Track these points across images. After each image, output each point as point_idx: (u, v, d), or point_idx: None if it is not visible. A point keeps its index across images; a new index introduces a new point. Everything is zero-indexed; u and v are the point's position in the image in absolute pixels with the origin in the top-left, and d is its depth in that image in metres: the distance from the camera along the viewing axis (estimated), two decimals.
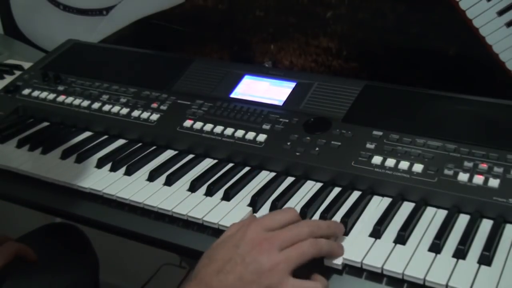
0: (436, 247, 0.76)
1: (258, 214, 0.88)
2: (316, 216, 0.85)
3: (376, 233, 0.80)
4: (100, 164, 1.03)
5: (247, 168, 0.99)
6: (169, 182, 0.96)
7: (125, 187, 0.95)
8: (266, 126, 1.03)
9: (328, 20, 1.24)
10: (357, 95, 1.06)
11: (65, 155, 1.06)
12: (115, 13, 1.53)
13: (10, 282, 1.02)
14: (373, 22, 1.19)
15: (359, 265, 0.75)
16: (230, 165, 1.01)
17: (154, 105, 1.14)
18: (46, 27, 1.67)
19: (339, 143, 0.97)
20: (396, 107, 1.03)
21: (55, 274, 1.09)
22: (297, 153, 0.97)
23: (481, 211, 0.83)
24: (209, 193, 0.93)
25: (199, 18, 1.42)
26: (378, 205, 0.88)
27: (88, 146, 1.09)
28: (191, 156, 1.04)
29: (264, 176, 0.97)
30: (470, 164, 0.88)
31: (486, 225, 0.81)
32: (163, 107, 1.13)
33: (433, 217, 0.84)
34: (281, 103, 1.09)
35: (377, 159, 0.92)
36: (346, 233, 0.81)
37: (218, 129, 1.05)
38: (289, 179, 0.96)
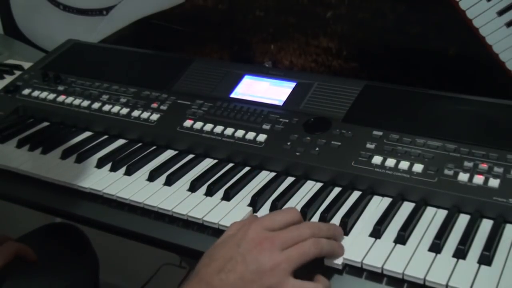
0: (436, 247, 0.76)
1: (258, 214, 0.88)
2: (316, 216, 0.85)
3: (376, 233, 0.80)
4: (100, 164, 1.02)
5: (247, 168, 0.99)
6: (169, 182, 0.96)
7: (125, 187, 0.95)
8: (266, 126, 1.03)
9: (328, 20, 1.24)
10: (357, 95, 1.06)
11: (65, 155, 1.06)
12: (115, 13, 1.53)
13: (10, 282, 1.02)
14: (373, 22, 1.20)
15: (359, 265, 0.75)
16: (230, 165, 1.01)
17: (154, 105, 1.14)
18: (46, 27, 1.67)
19: (339, 143, 0.97)
20: (396, 107, 1.03)
21: (55, 274, 1.09)
22: (297, 153, 0.97)
23: (481, 211, 0.83)
24: (209, 193, 0.93)
25: (199, 18, 1.42)
26: (378, 205, 0.88)
27: (88, 146, 1.09)
28: (191, 156, 1.04)
29: (264, 176, 0.97)
30: (470, 164, 0.88)
31: (486, 225, 0.81)
32: (163, 107, 1.13)
33: (433, 217, 0.84)
34: (281, 103, 1.09)
35: (377, 159, 0.92)
36: (346, 233, 0.81)
37: (218, 129, 1.05)
38: (289, 179, 0.96)
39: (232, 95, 1.13)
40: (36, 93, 1.25)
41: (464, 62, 1.13)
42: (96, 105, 1.18)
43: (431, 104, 1.01)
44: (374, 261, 0.75)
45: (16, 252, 1.02)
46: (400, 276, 0.73)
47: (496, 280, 0.71)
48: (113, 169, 1.01)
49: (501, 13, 1.06)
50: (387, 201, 0.88)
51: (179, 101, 1.14)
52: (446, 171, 0.88)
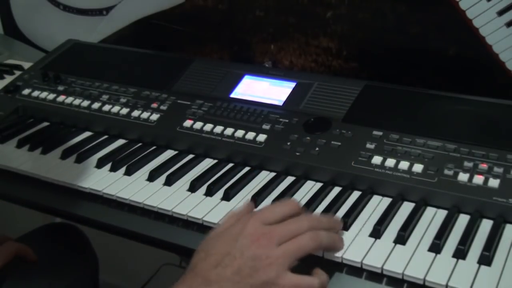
0: (436, 247, 0.76)
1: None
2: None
3: (376, 233, 0.80)
4: (100, 164, 1.02)
5: (247, 168, 0.99)
6: (169, 182, 0.96)
7: (125, 187, 0.95)
8: (266, 126, 1.03)
9: (328, 20, 1.24)
10: (357, 95, 1.06)
11: (65, 155, 1.06)
12: (115, 13, 1.53)
13: (10, 282, 1.02)
14: (373, 22, 1.19)
15: (359, 265, 0.75)
16: (230, 165, 1.01)
17: (154, 105, 1.14)
18: (46, 27, 1.67)
19: (339, 143, 0.97)
20: (396, 107, 1.03)
21: (55, 274, 1.09)
22: (297, 153, 0.97)
23: (481, 211, 0.83)
24: (209, 193, 0.92)
25: (199, 18, 1.42)
26: (378, 205, 0.88)
27: (88, 146, 1.09)
28: (191, 156, 1.04)
29: (264, 176, 0.97)
30: (470, 164, 0.88)
31: (486, 225, 0.81)
32: (163, 107, 1.13)
33: (433, 217, 0.84)
34: (281, 103, 1.09)
35: (377, 159, 0.92)
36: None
37: (218, 129, 1.05)
38: (289, 179, 0.96)
39: (232, 95, 1.13)
40: (36, 93, 1.25)
41: (464, 62, 1.13)
42: (96, 105, 1.18)
43: (431, 104, 1.01)
44: (374, 261, 0.75)
45: (16, 252, 1.02)
46: (400, 276, 0.73)
47: (496, 280, 0.71)
48: (113, 169, 1.01)
49: (501, 13, 1.06)
50: (387, 201, 0.88)
51: (179, 101, 1.14)
52: (446, 171, 0.88)
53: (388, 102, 1.05)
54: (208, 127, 1.06)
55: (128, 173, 0.99)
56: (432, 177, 0.87)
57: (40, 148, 1.09)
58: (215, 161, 1.02)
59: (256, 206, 0.89)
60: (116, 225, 0.92)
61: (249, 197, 0.90)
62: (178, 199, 0.91)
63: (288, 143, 0.99)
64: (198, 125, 1.07)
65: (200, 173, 0.98)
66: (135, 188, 0.95)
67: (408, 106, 1.02)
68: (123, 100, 1.17)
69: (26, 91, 1.26)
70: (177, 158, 1.04)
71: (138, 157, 1.04)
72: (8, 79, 1.42)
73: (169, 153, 1.06)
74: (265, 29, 1.33)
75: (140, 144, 1.09)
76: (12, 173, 1.04)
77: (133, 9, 1.50)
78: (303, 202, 0.88)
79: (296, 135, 1.00)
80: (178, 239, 0.87)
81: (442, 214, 0.84)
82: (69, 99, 1.21)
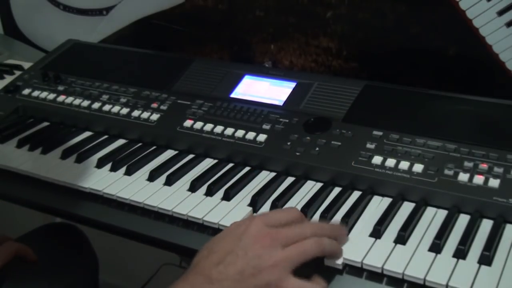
0: (436, 247, 0.76)
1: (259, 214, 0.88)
2: (316, 216, 0.85)
3: (376, 233, 0.80)
4: (100, 164, 1.02)
5: (247, 168, 0.99)
6: (169, 182, 0.96)
7: (125, 187, 0.95)
8: (266, 126, 1.03)
9: (328, 20, 1.24)
10: (357, 95, 1.06)
11: (65, 155, 1.06)
12: (115, 13, 1.53)
13: (10, 282, 1.02)
14: (373, 22, 1.19)
15: (359, 265, 0.75)
16: (230, 165, 1.01)
17: (154, 105, 1.14)
18: (46, 27, 1.67)
19: (339, 143, 0.97)
20: (396, 107, 1.03)
21: (55, 274, 1.09)
22: (297, 153, 0.97)
23: (481, 211, 0.83)
24: (209, 193, 0.92)
25: (199, 18, 1.42)
26: (378, 205, 0.88)
27: (88, 146, 1.09)
28: (191, 156, 1.04)
29: (264, 176, 0.97)
30: (470, 164, 0.88)
31: (486, 225, 0.81)
32: (163, 107, 1.13)
33: (433, 217, 0.84)
34: (281, 103, 1.09)
35: (377, 159, 0.92)
36: (347, 233, 0.81)
37: (218, 129, 1.05)
38: (289, 179, 0.96)
39: (232, 95, 1.13)
40: (36, 93, 1.25)
41: (464, 62, 1.13)
42: (96, 105, 1.18)
43: (431, 104, 1.01)
44: (374, 261, 0.75)
45: (16, 252, 1.02)
46: (400, 276, 0.73)
47: (496, 280, 0.71)
48: (113, 169, 1.01)
49: (501, 13, 1.06)
50: (387, 201, 0.88)
51: (179, 101, 1.14)
52: (446, 171, 0.88)
53: (388, 102, 1.05)
54: (208, 127, 1.06)
55: (128, 173, 0.99)
56: (432, 177, 0.87)
57: (40, 148, 1.09)
58: (215, 161, 1.02)
59: (256, 206, 0.89)
60: (116, 225, 0.92)
61: (249, 197, 0.90)
62: (178, 199, 0.91)
63: (288, 143, 0.99)
64: (198, 125, 1.07)
65: (200, 173, 0.98)
66: (135, 188, 0.95)
67: (408, 106, 1.02)
68: (123, 100, 1.17)
69: (26, 91, 1.26)
70: (177, 158, 1.04)
71: (138, 157, 1.04)
72: (8, 79, 1.42)
73: (169, 153, 1.06)
74: (265, 29, 1.33)
75: (140, 144, 1.09)
76: (12, 173, 1.04)
77: (133, 9, 1.50)
78: (303, 202, 0.88)
79: (296, 135, 1.00)
80: (178, 239, 0.87)
81: (442, 214, 0.84)
82: (69, 99, 1.21)
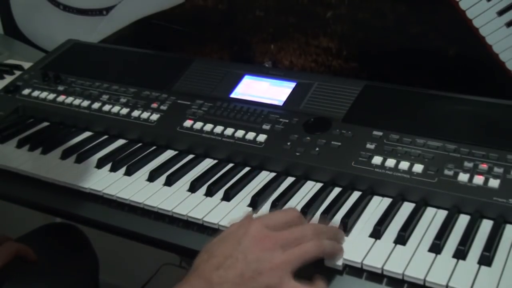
0: (436, 248, 0.76)
1: (258, 215, 0.88)
2: (316, 216, 0.85)
3: (376, 233, 0.80)
4: (100, 164, 1.02)
5: (247, 168, 0.99)
6: (169, 182, 0.96)
7: (125, 187, 0.95)
8: (266, 126, 1.03)
9: (328, 20, 1.24)
10: (357, 95, 1.06)
11: (65, 155, 1.06)
12: (115, 13, 1.53)
13: (10, 282, 1.02)
14: (373, 22, 1.19)
15: (359, 266, 0.75)
16: (230, 165, 1.01)
17: (154, 105, 1.14)
18: (46, 27, 1.67)
19: (339, 143, 0.97)
20: (396, 107, 1.03)
21: (55, 274, 1.09)
22: (297, 153, 0.97)
23: (481, 211, 0.83)
24: (209, 193, 0.92)
25: (199, 18, 1.42)
26: (378, 205, 0.88)
27: (88, 146, 1.09)
28: (191, 156, 1.04)
29: (264, 176, 0.97)
30: (470, 164, 0.88)
31: (486, 226, 0.81)
32: (163, 107, 1.13)
33: (433, 217, 0.84)
34: (281, 103, 1.09)
35: (377, 159, 0.92)
36: (346, 234, 0.81)
37: (218, 129, 1.05)
38: (289, 179, 0.96)
39: (232, 95, 1.13)
40: (36, 93, 1.25)
41: (464, 62, 1.13)
42: (96, 105, 1.18)
43: (431, 104, 1.01)
44: (374, 261, 0.75)
45: (16, 252, 1.02)
46: (400, 277, 0.73)
47: (496, 281, 0.71)
48: (113, 169, 1.01)
49: (501, 13, 1.06)
50: (387, 201, 0.88)
51: (179, 101, 1.14)
52: (446, 171, 0.88)
53: (388, 102, 1.05)
54: (208, 127, 1.06)
55: (128, 173, 0.99)
56: (432, 177, 0.87)
57: (40, 148, 1.09)
58: (215, 161, 1.02)
59: (256, 207, 0.89)
60: (116, 225, 0.92)
61: (249, 197, 0.90)
62: (178, 199, 0.91)
63: (288, 143, 0.99)
64: (198, 125, 1.07)
65: (200, 173, 0.98)
66: (135, 188, 0.95)
67: (408, 106, 1.02)
68: (123, 100, 1.17)
69: (26, 91, 1.26)
70: (177, 158, 1.04)
71: (138, 157, 1.04)
72: (8, 79, 1.42)
73: (169, 153, 1.06)
74: (265, 29, 1.33)
75: (140, 144, 1.09)
76: (12, 173, 1.04)
77: (133, 9, 1.50)
78: (303, 202, 0.88)
79: (296, 135, 1.00)
80: (178, 239, 0.87)
81: (442, 214, 0.84)
82: (69, 99, 1.21)
